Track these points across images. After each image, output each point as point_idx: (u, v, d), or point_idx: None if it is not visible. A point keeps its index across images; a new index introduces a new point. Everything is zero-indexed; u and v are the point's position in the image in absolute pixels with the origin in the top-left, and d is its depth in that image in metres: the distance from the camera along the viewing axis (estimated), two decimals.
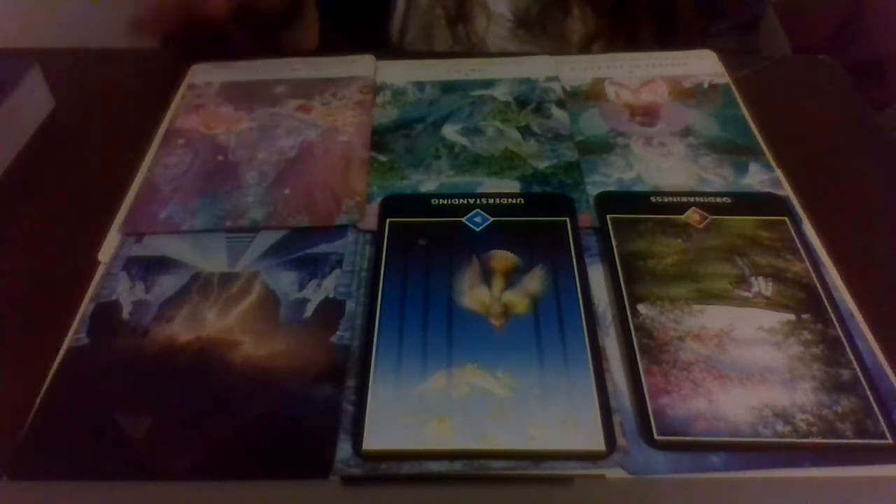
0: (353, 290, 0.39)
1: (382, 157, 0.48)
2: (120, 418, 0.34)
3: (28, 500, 0.32)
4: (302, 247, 0.42)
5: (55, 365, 0.36)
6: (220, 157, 0.48)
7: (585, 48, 0.64)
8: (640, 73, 0.55)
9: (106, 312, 0.39)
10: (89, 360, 0.36)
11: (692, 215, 0.43)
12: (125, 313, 0.39)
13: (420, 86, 0.55)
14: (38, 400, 0.35)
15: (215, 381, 0.35)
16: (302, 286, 0.39)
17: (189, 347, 0.37)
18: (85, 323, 0.38)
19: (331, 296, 0.39)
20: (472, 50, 0.65)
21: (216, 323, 0.38)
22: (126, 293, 0.40)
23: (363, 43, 0.60)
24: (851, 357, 0.35)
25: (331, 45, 0.63)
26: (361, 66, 0.57)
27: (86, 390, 0.35)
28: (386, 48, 0.67)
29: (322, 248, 0.42)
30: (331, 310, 0.38)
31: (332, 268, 0.40)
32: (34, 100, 0.53)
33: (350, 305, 0.39)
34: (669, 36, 0.63)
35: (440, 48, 0.66)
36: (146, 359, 0.36)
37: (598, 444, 0.32)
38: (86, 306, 0.39)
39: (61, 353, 0.37)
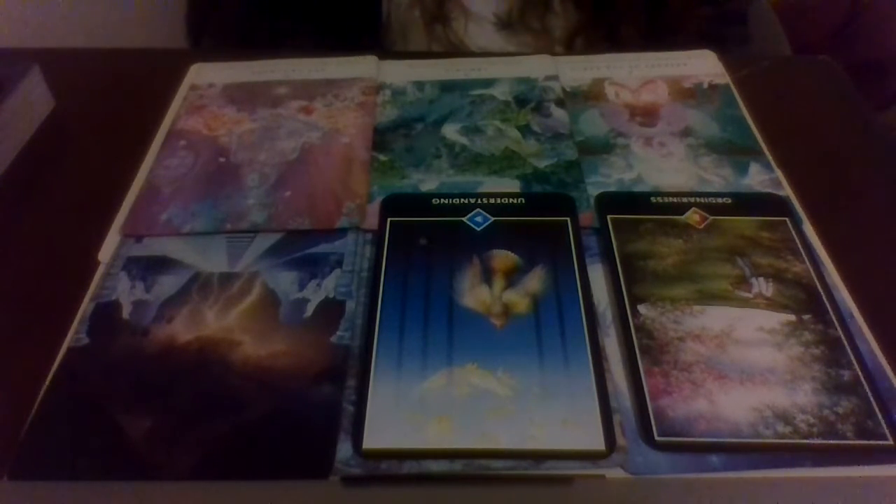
0: (353, 290, 0.39)
1: (383, 157, 0.48)
2: (120, 418, 0.34)
3: (28, 500, 0.32)
4: (302, 247, 0.42)
5: (55, 365, 0.36)
6: (222, 159, 0.48)
7: (568, 44, 0.64)
8: (639, 74, 0.55)
9: (106, 312, 0.39)
10: (89, 360, 0.36)
11: (692, 216, 0.43)
12: (125, 313, 0.39)
13: (420, 85, 0.55)
14: (38, 400, 0.35)
15: (215, 382, 0.35)
16: (302, 286, 0.39)
17: (189, 347, 0.37)
18: (85, 323, 0.38)
19: (331, 296, 0.39)
20: (451, 50, 0.65)
21: (216, 323, 0.38)
22: (126, 293, 0.40)
23: (350, 45, 0.60)
24: (852, 358, 0.35)
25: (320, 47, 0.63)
26: (364, 66, 0.56)
27: (86, 390, 0.35)
28: (372, 50, 0.67)
29: (322, 248, 0.42)
30: (331, 310, 0.38)
31: (332, 268, 0.40)
32: (34, 100, 0.53)
33: (350, 305, 0.39)
34: (654, 30, 0.63)
35: (417, 49, 0.66)
36: (146, 359, 0.36)
37: (598, 444, 0.32)
38: (86, 306, 0.39)
39: (61, 353, 0.37)
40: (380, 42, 0.67)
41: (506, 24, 0.64)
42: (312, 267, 0.41)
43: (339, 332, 0.37)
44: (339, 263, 0.41)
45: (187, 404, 0.34)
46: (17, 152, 0.51)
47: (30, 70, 0.53)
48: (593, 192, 0.45)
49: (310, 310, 0.38)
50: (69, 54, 0.60)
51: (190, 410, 0.34)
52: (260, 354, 0.36)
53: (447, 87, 0.54)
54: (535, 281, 0.39)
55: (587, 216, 0.43)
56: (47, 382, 0.36)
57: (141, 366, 0.36)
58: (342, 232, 0.43)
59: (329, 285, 0.40)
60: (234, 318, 0.38)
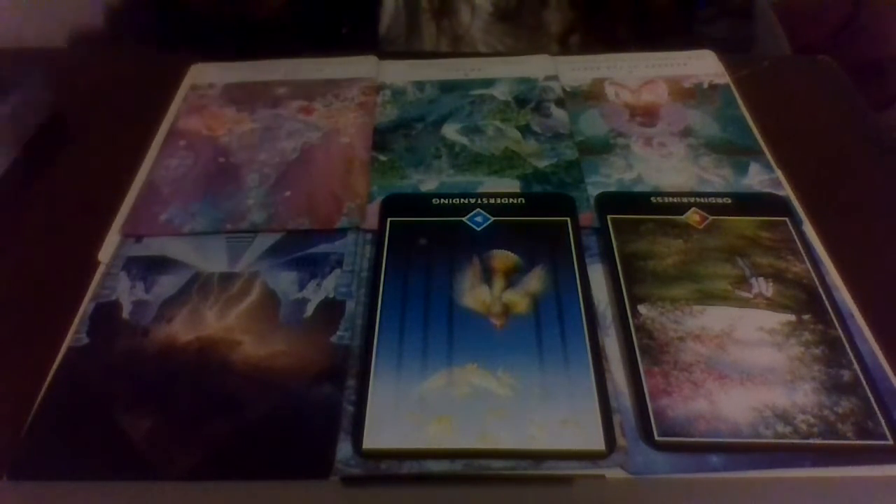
0: (353, 290, 0.39)
1: (383, 157, 0.48)
2: (120, 418, 0.34)
3: (28, 499, 0.32)
4: (302, 247, 0.42)
5: (55, 365, 0.36)
6: (222, 159, 0.48)
7: (563, 40, 0.64)
8: (639, 74, 0.55)
9: (106, 312, 0.39)
10: (89, 360, 0.36)
11: (692, 216, 0.43)
12: (125, 313, 0.38)
13: (420, 85, 0.55)
14: (38, 400, 0.35)
15: (215, 382, 0.35)
16: (302, 286, 0.39)
17: (189, 347, 0.37)
18: (85, 323, 0.38)
19: (331, 296, 0.39)
20: (457, 43, 0.65)
21: (216, 323, 0.38)
22: (126, 293, 0.40)
23: (353, 39, 0.60)
24: (852, 357, 0.35)
25: (322, 41, 0.63)
26: (364, 67, 0.56)
27: (86, 390, 0.35)
28: (375, 43, 0.67)
29: (322, 248, 0.42)
30: (331, 310, 0.38)
31: (332, 268, 0.40)
32: (34, 100, 0.53)
33: (350, 305, 0.39)
34: (647, 30, 0.63)
35: (427, 41, 0.66)
36: (146, 359, 0.36)
37: (598, 444, 0.32)
38: (86, 306, 0.39)
39: (61, 353, 0.37)
40: (377, 39, 0.67)
41: (504, 15, 0.64)
42: (312, 267, 0.41)
43: (339, 332, 0.37)
44: (339, 263, 0.41)
45: (187, 404, 0.34)
46: (17, 152, 0.51)
47: (30, 70, 0.53)
48: (593, 192, 0.45)
49: (310, 310, 0.38)
50: (69, 54, 0.60)
51: (190, 410, 0.34)
52: (260, 354, 0.36)
53: (447, 87, 0.54)
54: (535, 281, 0.39)
55: (587, 216, 0.43)
56: (47, 382, 0.36)
57: (141, 366, 0.36)
58: (342, 232, 0.43)
59: (329, 285, 0.40)
60: (234, 318, 0.38)
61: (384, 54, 0.58)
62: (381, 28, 0.67)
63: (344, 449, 0.32)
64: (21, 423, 0.34)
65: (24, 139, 0.52)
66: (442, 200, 0.44)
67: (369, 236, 0.43)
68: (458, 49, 0.66)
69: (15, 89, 0.51)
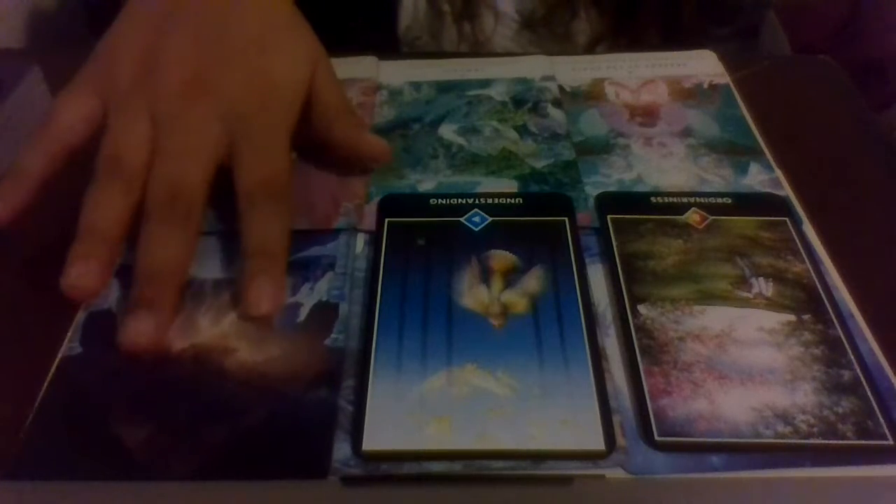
0: (345, 293, 0.39)
1: None
2: (116, 428, 0.33)
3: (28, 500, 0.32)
4: (294, 251, 0.41)
5: (49, 375, 0.36)
6: None
7: (590, 50, 0.64)
8: (639, 74, 0.55)
9: (99, 321, 0.38)
10: (83, 370, 0.36)
11: (692, 216, 0.43)
12: (118, 321, 0.38)
13: (417, 85, 0.55)
14: (33, 410, 0.34)
15: (211, 389, 0.35)
16: (295, 290, 0.39)
17: (184, 355, 0.36)
18: (78, 332, 0.38)
19: (324, 299, 0.39)
20: (479, 49, 0.65)
21: (210, 330, 0.37)
22: (119, 301, 0.39)
23: (370, 40, 0.60)
24: (852, 357, 0.35)
25: (338, 41, 0.63)
26: (364, 67, 0.56)
27: (80, 400, 0.35)
28: (392, 46, 0.66)
29: (314, 251, 0.41)
30: (325, 313, 0.38)
31: (324, 271, 0.40)
32: (34, 100, 0.53)
33: (343, 307, 0.38)
34: (673, 38, 0.63)
35: (447, 46, 0.65)
36: (140, 367, 0.36)
37: (598, 444, 0.32)
38: (79, 315, 0.39)
39: (55, 362, 0.36)
40: (395, 39, 0.66)
41: (529, 23, 0.64)
42: (305, 270, 0.40)
43: (333, 335, 0.37)
44: (332, 266, 0.40)
45: (182, 413, 0.34)
46: (16, 153, 0.50)
47: (30, 70, 0.53)
48: (593, 192, 0.45)
49: (303, 314, 0.38)
50: (69, 54, 0.60)
51: (185, 419, 0.34)
52: (255, 360, 0.36)
53: (444, 87, 0.54)
54: (534, 281, 0.39)
55: (585, 216, 0.43)
56: (42, 393, 0.35)
57: (135, 374, 0.35)
58: (333, 234, 0.42)
59: (322, 288, 0.39)
60: (228, 324, 0.38)
61: (385, 54, 0.58)
62: (399, 29, 0.66)
63: (343, 450, 0.32)
64: (20, 425, 0.33)
65: (23, 139, 0.51)
66: (439, 201, 0.44)
67: (362, 236, 0.42)
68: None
69: (15, 89, 0.51)
